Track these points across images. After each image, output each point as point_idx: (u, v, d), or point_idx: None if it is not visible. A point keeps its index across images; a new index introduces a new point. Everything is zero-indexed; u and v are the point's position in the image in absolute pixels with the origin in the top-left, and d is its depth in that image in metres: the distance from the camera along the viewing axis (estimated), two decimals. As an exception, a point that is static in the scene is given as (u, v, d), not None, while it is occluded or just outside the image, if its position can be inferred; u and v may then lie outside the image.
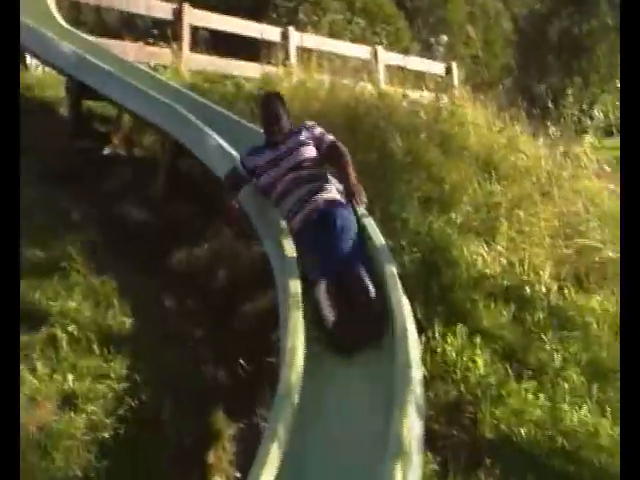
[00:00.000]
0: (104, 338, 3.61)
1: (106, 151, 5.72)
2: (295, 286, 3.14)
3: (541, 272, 4.12)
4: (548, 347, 3.60)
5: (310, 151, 3.89)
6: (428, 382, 3.22)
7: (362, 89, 6.61)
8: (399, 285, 3.22)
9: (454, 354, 3.44)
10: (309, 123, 4.05)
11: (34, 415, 3.12)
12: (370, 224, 3.67)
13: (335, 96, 6.39)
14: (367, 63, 9.67)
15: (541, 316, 3.81)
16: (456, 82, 11.06)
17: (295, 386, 2.69)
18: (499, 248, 4.35)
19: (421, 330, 3.43)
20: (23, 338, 3.43)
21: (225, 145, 4.54)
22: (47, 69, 7.06)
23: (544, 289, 4.01)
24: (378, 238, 3.57)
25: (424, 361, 3.28)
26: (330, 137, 3.99)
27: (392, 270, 3.31)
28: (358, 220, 3.64)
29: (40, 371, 3.34)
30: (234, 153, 4.39)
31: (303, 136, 3.93)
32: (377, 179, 4.89)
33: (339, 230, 3.46)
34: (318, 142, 3.94)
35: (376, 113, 5.89)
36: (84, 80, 5.85)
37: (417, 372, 2.80)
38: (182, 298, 4.28)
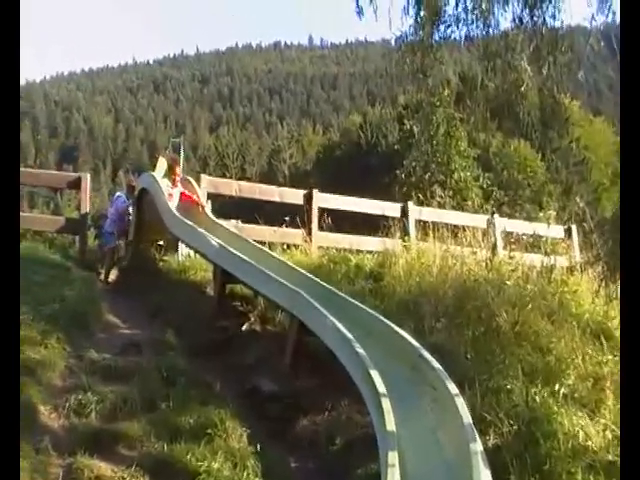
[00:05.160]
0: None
1: (244, 327, 6.55)
2: (393, 457, 3.63)
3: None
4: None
5: None
6: None
7: (474, 261, 6.94)
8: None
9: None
10: None
11: None
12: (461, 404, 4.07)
13: (447, 269, 6.83)
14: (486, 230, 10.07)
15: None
16: (576, 245, 11.29)
17: None
18: (604, 421, 4.41)
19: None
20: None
21: (341, 327, 5.21)
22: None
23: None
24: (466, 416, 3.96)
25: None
26: None
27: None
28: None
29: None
30: (349, 336, 5.03)
31: None
32: (483, 352, 5.26)
33: None
34: None
35: (485, 287, 6.22)
36: (224, 267, 6.91)
37: None
38: (304, 460, 4.88)
